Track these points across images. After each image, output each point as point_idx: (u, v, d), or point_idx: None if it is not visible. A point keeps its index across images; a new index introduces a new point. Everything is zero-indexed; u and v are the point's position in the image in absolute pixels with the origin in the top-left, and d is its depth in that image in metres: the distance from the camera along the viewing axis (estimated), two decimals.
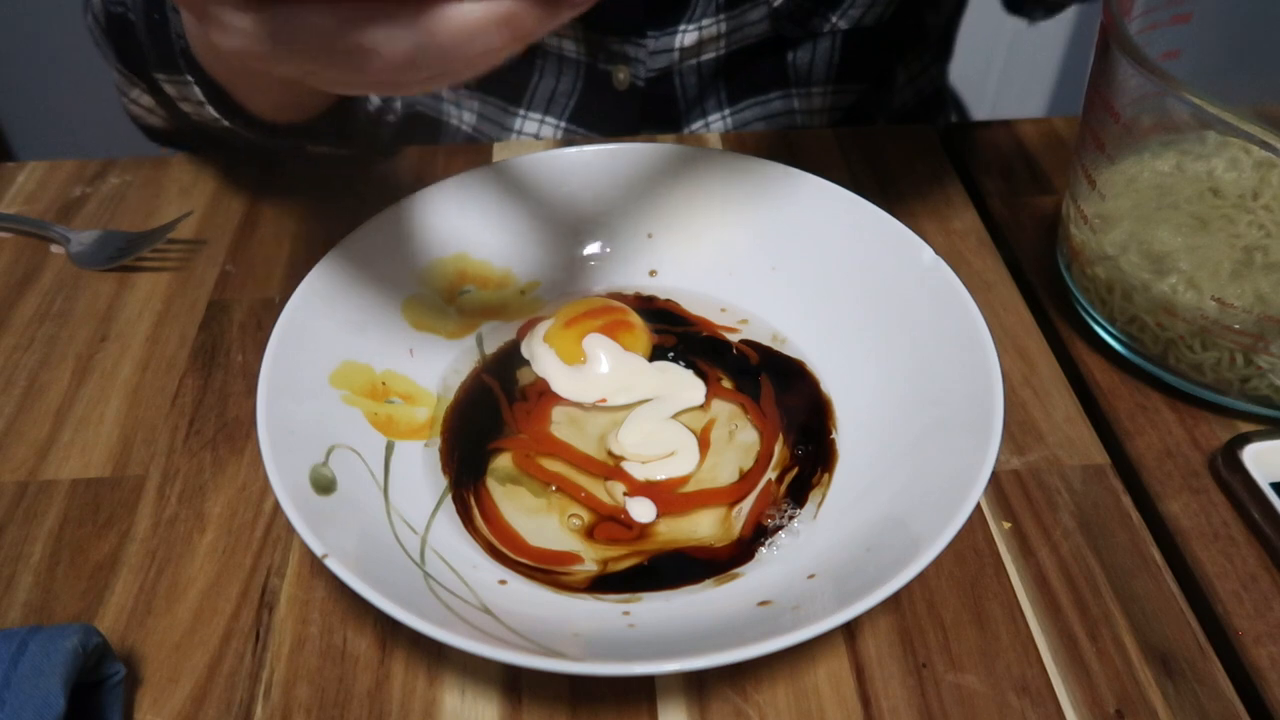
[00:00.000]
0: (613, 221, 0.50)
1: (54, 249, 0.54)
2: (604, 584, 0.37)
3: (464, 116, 0.69)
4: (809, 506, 0.39)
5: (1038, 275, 0.52)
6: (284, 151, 0.55)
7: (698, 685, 0.35)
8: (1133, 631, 0.36)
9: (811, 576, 0.35)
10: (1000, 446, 0.35)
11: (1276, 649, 0.36)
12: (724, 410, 0.44)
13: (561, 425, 0.43)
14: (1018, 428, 0.44)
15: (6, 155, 1.57)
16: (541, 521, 0.39)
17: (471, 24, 0.25)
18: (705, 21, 0.61)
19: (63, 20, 1.34)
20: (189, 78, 0.47)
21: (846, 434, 0.42)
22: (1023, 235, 0.54)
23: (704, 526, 0.39)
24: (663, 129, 0.66)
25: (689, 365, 0.45)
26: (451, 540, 0.38)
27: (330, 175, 0.58)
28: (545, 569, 0.37)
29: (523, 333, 0.47)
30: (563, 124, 0.66)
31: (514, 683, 0.35)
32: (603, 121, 0.66)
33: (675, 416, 0.43)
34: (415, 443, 0.42)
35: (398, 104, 0.58)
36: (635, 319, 0.46)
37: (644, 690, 0.35)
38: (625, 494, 0.40)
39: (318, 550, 0.32)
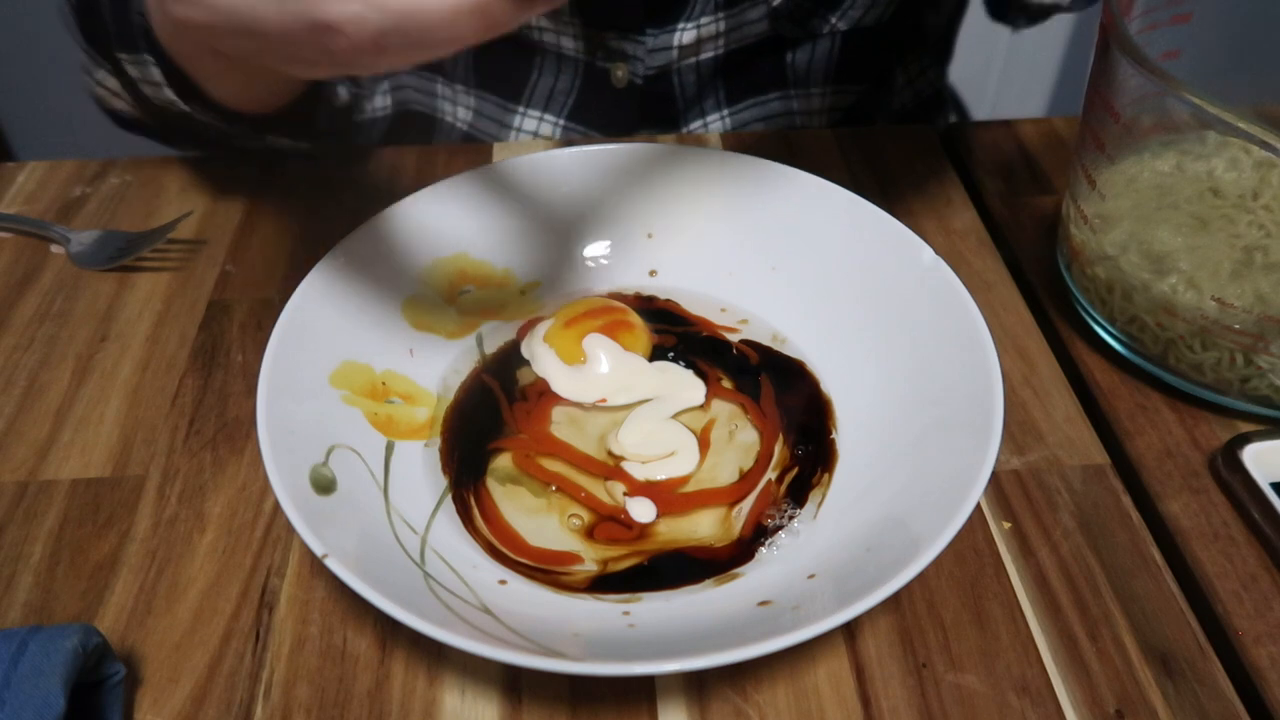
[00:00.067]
0: (613, 221, 0.50)
1: (54, 249, 0.54)
2: (604, 584, 0.37)
3: (460, 114, 0.69)
4: (809, 506, 0.39)
5: (1038, 275, 0.52)
6: (248, 142, 0.53)
7: (698, 685, 0.35)
8: (1133, 631, 0.36)
9: (811, 576, 0.35)
10: (1000, 446, 0.35)
11: (1276, 649, 0.36)
12: (724, 410, 0.44)
13: (561, 425, 0.43)
14: (1018, 428, 0.44)
15: (6, 155, 1.57)
16: (541, 521, 0.39)
17: (445, 11, 0.25)
18: (704, 20, 0.61)
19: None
20: (148, 58, 0.46)
21: (846, 434, 0.42)
22: (1023, 235, 0.54)
23: (704, 526, 0.39)
24: (661, 128, 0.66)
25: (689, 365, 0.45)
26: (451, 540, 0.38)
27: (331, 175, 0.58)
28: (545, 569, 0.37)
29: (523, 333, 0.47)
30: (561, 122, 0.66)
31: (514, 683, 0.35)
32: (601, 120, 0.66)
33: (675, 416, 0.43)
34: (415, 443, 0.41)
35: (377, 100, 0.57)
36: (635, 319, 0.46)
37: (644, 690, 0.35)
38: (625, 494, 0.40)
39: (318, 550, 0.32)
